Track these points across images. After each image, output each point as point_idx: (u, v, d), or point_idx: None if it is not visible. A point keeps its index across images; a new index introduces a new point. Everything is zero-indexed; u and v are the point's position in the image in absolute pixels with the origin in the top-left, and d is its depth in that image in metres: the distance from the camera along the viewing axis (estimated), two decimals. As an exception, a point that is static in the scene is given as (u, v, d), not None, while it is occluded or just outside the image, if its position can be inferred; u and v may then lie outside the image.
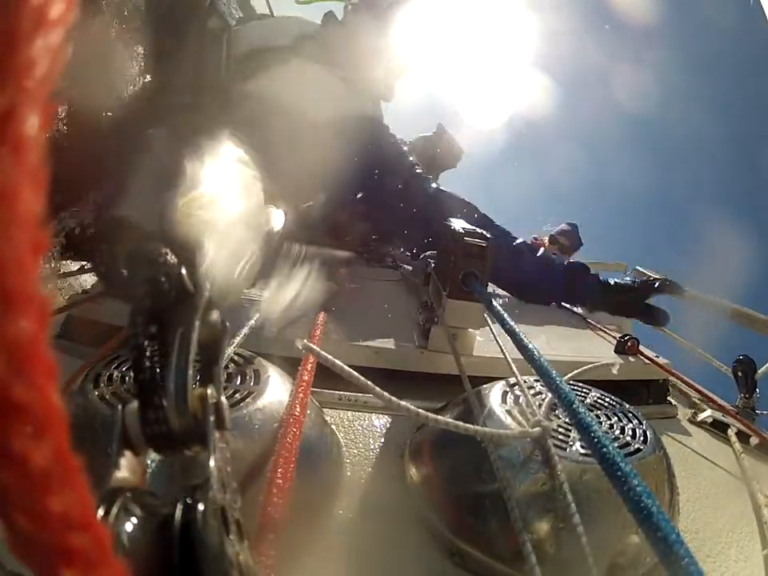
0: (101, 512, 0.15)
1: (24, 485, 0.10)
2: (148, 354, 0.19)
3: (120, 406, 0.20)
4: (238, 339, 0.49)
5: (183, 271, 0.22)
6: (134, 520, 0.16)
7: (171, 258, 0.22)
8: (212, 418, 0.20)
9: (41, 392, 0.10)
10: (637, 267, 1.96)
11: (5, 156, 0.10)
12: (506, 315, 0.47)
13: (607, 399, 0.51)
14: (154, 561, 0.15)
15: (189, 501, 0.17)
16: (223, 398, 0.21)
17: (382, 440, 0.54)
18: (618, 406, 0.50)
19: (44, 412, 0.10)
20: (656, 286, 1.04)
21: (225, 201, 0.32)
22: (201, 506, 0.17)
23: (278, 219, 0.49)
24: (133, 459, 0.19)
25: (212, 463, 0.19)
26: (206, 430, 0.19)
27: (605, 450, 0.28)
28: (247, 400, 0.41)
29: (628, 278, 1.14)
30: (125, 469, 0.18)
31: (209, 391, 0.20)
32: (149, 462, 0.20)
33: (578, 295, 1.10)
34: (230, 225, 0.31)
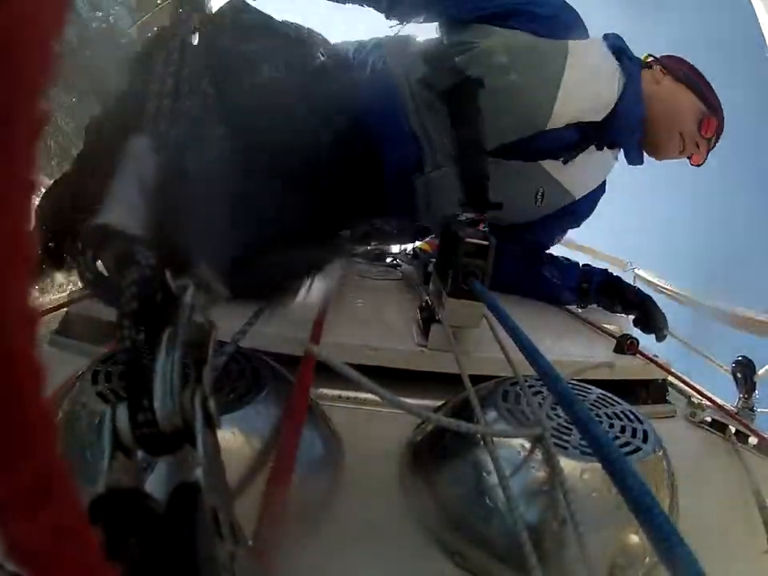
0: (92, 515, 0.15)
1: (15, 493, 0.10)
2: (136, 356, 0.19)
3: (109, 408, 0.19)
4: (237, 337, 0.49)
5: (168, 273, 0.22)
6: (126, 520, 0.16)
7: (156, 261, 0.22)
8: (201, 418, 0.20)
9: (31, 401, 0.10)
10: (636, 270, 1.93)
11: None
12: (506, 314, 0.47)
13: (607, 398, 0.51)
14: (143, 562, 0.15)
15: (179, 501, 0.17)
16: (212, 398, 0.21)
17: (382, 438, 0.53)
18: (617, 405, 0.50)
19: (34, 422, 0.10)
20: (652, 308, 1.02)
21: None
22: (191, 507, 0.16)
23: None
24: (125, 460, 0.19)
25: (201, 464, 0.18)
26: (196, 430, 0.19)
27: (605, 449, 0.27)
28: (246, 398, 0.41)
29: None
30: (117, 470, 0.18)
31: (197, 391, 0.20)
32: (140, 462, 0.20)
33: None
34: (218, 225, 0.31)
